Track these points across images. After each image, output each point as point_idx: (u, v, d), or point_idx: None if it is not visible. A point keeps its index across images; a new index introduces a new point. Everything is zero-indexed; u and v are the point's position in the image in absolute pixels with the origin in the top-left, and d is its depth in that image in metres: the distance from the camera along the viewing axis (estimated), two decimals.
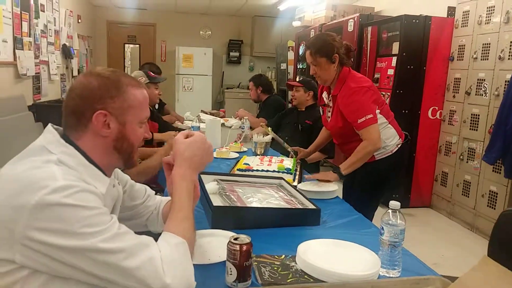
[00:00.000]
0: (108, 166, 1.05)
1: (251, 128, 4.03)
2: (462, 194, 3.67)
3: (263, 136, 2.60)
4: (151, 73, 3.02)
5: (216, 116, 4.17)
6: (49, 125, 1.03)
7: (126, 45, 8.71)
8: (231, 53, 8.60)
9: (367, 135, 2.03)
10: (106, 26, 8.27)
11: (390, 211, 1.12)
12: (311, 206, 1.48)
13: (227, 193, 1.49)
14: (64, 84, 5.93)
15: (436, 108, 3.91)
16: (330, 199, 1.79)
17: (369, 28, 4.19)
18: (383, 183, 2.20)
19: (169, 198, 1.27)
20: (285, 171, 2.02)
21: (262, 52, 8.43)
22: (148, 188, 1.31)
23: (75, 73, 6.45)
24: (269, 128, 2.65)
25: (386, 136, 2.14)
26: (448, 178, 3.86)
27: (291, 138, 2.93)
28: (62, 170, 0.90)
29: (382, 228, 1.12)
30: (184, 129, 3.31)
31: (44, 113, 4.39)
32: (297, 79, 5.92)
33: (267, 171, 1.99)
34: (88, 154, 1.00)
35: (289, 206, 1.50)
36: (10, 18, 4.04)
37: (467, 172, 3.62)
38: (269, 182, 1.77)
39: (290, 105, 4.46)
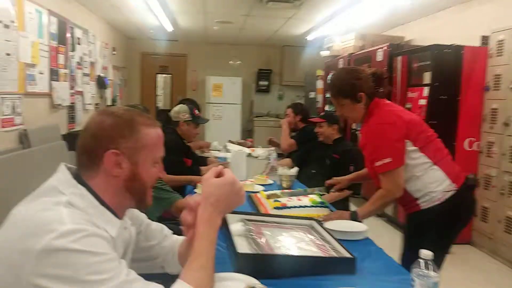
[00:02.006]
0: (120, 207, 1.02)
1: (279, 146, 3.98)
2: (505, 231, 3.43)
3: (289, 169, 2.54)
4: (196, 112, 3.03)
5: (243, 145, 4.14)
6: (62, 164, 1.02)
7: (159, 75, 8.94)
8: (260, 82, 8.67)
9: (384, 183, 1.81)
10: (140, 57, 8.56)
11: (421, 261, 1.02)
12: (346, 254, 1.35)
13: (254, 237, 1.39)
14: None
15: (473, 139, 3.74)
16: (359, 240, 1.69)
17: (399, 58, 4.12)
18: (432, 237, 1.81)
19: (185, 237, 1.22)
20: (320, 205, 1.95)
21: (291, 81, 8.46)
22: (165, 227, 1.27)
23: (109, 102, 6.65)
24: None
25: (430, 180, 1.82)
26: (489, 214, 3.63)
27: (317, 172, 2.85)
28: (71, 212, 0.88)
29: (413, 280, 1.02)
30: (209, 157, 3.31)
31: (76, 142, 4.49)
32: (325, 108, 5.90)
33: (303, 206, 1.91)
34: (100, 194, 0.98)
35: (321, 254, 1.37)
36: (47, 51, 4.23)
37: (509, 208, 3.39)
38: (300, 223, 1.66)
39: None
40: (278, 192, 1.99)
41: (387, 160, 1.77)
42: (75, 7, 5.08)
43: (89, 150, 0.98)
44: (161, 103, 9.19)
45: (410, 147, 1.83)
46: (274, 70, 8.74)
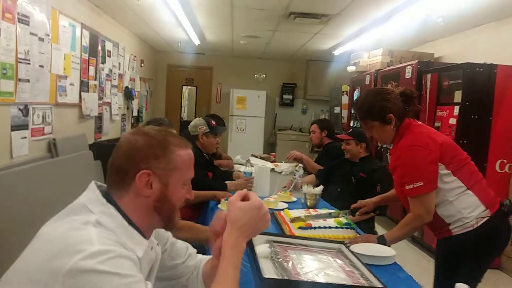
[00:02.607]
0: (148, 227, 1.02)
1: (305, 170, 3.92)
2: None
3: (314, 187, 2.50)
4: (213, 122, 3.06)
5: (266, 160, 4.12)
6: (92, 182, 1.02)
7: (184, 87, 9.07)
8: (284, 96, 8.68)
9: (414, 208, 1.74)
10: (166, 69, 8.71)
11: None
12: (376, 283, 1.29)
13: (280, 260, 1.35)
14: (124, 124, 6.22)
15: (505, 161, 3.61)
16: (387, 265, 1.63)
17: (429, 75, 4.03)
18: (465, 265, 1.75)
19: (209, 256, 1.21)
20: (345, 226, 1.90)
21: (315, 95, 8.43)
22: (190, 246, 1.26)
23: (135, 113, 6.77)
24: None
25: (463, 205, 1.76)
26: None
27: (342, 191, 2.79)
28: (100, 233, 0.88)
29: None
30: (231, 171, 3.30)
31: (102, 151, 4.58)
32: (350, 124, 5.83)
33: (329, 227, 1.87)
34: (128, 214, 0.98)
35: (350, 281, 1.30)
36: (78, 63, 4.35)
37: None
38: (327, 246, 1.60)
39: None
40: (302, 216, 1.94)
41: (419, 184, 1.71)
42: (107, 21, 5.23)
43: (121, 169, 0.98)
44: (185, 115, 9.30)
45: (443, 170, 1.76)
46: (298, 84, 8.74)
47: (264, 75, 8.70)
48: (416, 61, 4.29)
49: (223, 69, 8.70)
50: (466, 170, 1.81)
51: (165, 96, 8.78)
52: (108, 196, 0.98)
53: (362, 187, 2.80)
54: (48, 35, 3.63)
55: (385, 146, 4.36)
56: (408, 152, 1.78)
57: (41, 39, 3.51)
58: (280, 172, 3.72)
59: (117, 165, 0.99)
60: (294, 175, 2.90)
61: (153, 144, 0.99)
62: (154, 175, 0.97)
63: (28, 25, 3.29)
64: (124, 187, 0.98)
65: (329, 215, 1.99)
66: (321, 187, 2.47)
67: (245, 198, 1.04)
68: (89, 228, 0.88)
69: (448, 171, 1.76)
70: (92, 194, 0.98)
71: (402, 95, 1.89)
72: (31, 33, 3.36)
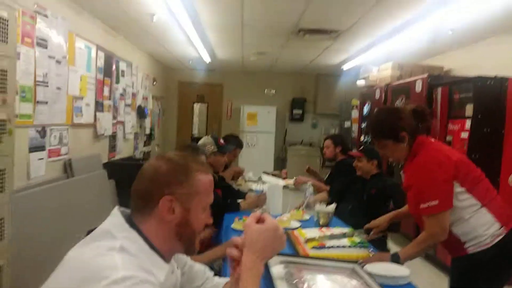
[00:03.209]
0: (169, 252, 1.05)
1: (317, 175, 3.92)
2: None
3: (326, 204, 2.51)
4: (221, 141, 3.09)
5: (278, 177, 4.13)
6: (116, 208, 1.06)
7: (195, 104, 9.16)
8: (294, 111, 8.72)
9: (429, 227, 1.74)
10: (178, 86, 8.83)
11: None
12: None
13: (295, 281, 1.37)
14: (137, 142, 6.31)
15: None
16: (402, 285, 1.63)
17: (439, 89, 4.04)
18: (480, 284, 1.74)
19: (227, 279, 1.23)
20: (359, 245, 1.91)
21: (325, 110, 8.46)
22: (207, 269, 1.29)
23: (147, 131, 6.87)
24: None
25: (479, 223, 1.74)
26: None
27: (354, 207, 2.80)
28: (124, 258, 0.92)
29: None
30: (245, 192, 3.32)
31: (116, 170, 4.66)
32: (361, 139, 5.83)
33: (342, 247, 1.88)
34: (151, 239, 1.01)
35: None
36: (93, 84, 4.46)
37: None
38: (342, 266, 1.61)
39: None
40: (316, 236, 1.95)
41: (434, 202, 1.71)
42: (120, 42, 5.36)
43: (145, 194, 1.02)
44: (196, 131, 9.37)
45: (457, 188, 1.76)
46: (308, 99, 8.78)
47: (274, 91, 8.77)
48: (426, 75, 4.30)
49: (233, 86, 8.79)
50: (480, 187, 1.81)
51: (176, 113, 8.89)
52: (131, 221, 1.01)
53: (373, 204, 2.80)
54: (65, 57, 3.75)
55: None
56: (423, 171, 1.78)
57: (58, 62, 3.62)
58: (293, 189, 3.70)
59: (141, 191, 1.03)
60: (306, 194, 2.91)
61: (176, 169, 1.03)
62: (176, 201, 1.01)
63: (46, 48, 3.41)
64: (147, 212, 1.02)
65: (343, 236, 1.99)
66: (334, 205, 2.48)
67: (260, 220, 1.06)
68: (113, 254, 0.92)
69: (463, 189, 1.76)
70: (115, 219, 1.01)
71: (414, 113, 1.91)
72: (49, 56, 3.47)
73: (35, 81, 3.24)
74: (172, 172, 1.03)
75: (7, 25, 2.39)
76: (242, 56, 6.81)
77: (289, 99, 8.78)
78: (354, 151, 3.27)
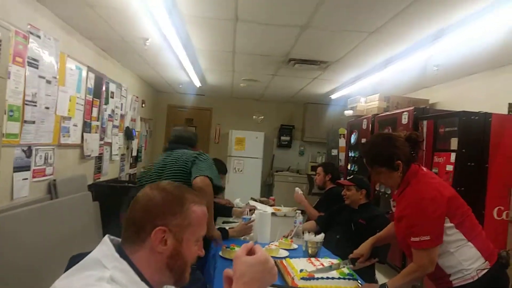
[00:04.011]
0: (159, 284, 1.03)
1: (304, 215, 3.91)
2: None
3: (315, 235, 2.50)
4: None
5: (266, 203, 4.11)
6: (106, 236, 1.04)
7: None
8: (282, 137, 8.78)
9: (418, 259, 1.76)
10: (167, 109, 8.84)
11: None
12: None
13: None
14: (123, 164, 6.24)
15: (502, 208, 3.63)
16: None
17: (425, 122, 4.13)
18: None
19: None
20: (348, 277, 1.90)
21: (313, 137, 8.54)
22: None
23: (134, 153, 6.81)
24: None
25: (464, 257, 1.77)
26: None
27: (342, 237, 2.79)
28: None
29: None
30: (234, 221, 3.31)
31: (101, 192, 4.59)
32: (348, 167, 5.88)
33: (331, 278, 1.88)
34: (141, 270, 0.99)
35: None
36: (82, 105, 4.43)
37: None
38: None
39: None
40: (305, 271, 1.93)
41: (425, 237, 1.73)
42: (111, 63, 5.37)
43: (137, 224, 1.01)
44: None
45: (447, 223, 1.78)
46: (296, 126, 8.87)
47: (263, 117, 8.85)
48: (412, 108, 4.41)
49: (222, 110, 8.85)
50: (467, 222, 1.83)
51: (164, 135, 8.86)
52: (121, 251, 1.00)
53: (361, 234, 2.80)
54: (56, 78, 3.73)
55: (383, 191, 4.38)
56: (416, 205, 1.79)
57: (48, 82, 3.60)
58: (283, 216, 3.68)
59: (134, 220, 1.02)
60: (295, 222, 2.90)
61: (170, 200, 1.02)
62: (169, 232, 1.00)
63: (37, 68, 3.39)
64: (138, 242, 1.00)
65: (330, 268, 1.98)
66: (323, 235, 2.48)
67: (251, 251, 1.05)
68: (103, 284, 0.90)
69: (452, 224, 1.78)
70: (105, 248, 1.00)
71: (408, 140, 1.93)
72: (40, 76, 3.45)
73: (23, 100, 3.21)
74: (166, 202, 1.02)
75: (0, 46, 2.39)
76: (232, 82, 6.88)
77: (277, 125, 8.86)
78: (343, 180, 3.30)
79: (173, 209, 1.02)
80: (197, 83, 6.79)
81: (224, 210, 3.62)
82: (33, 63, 3.34)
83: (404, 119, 4.43)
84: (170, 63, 5.44)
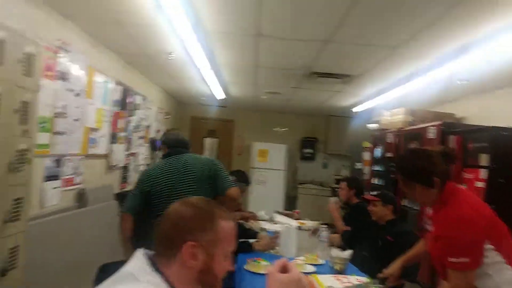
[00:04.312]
0: None
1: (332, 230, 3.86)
2: None
3: (340, 248, 2.46)
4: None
5: (290, 217, 4.08)
6: (139, 250, 1.05)
7: (206, 138, 9.21)
8: (305, 150, 8.74)
9: (454, 280, 1.68)
10: (190, 121, 8.94)
11: None
12: None
13: None
14: None
15: None
16: None
17: (453, 137, 4.04)
18: None
19: None
20: None
21: (336, 150, 8.47)
22: None
23: None
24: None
25: (502, 280, 1.69)
26: None
27: (369, 253, 2.74)
28: None
29: None
30: (256, 231, 3.28)
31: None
32: (371, 181, 5.79)
33: None
34: (173, 284, 1.00)
35: None
36: (109, 116, 4.54)
37: None
38: None
39: None
40: (334, 286, 1.90)
41: (464, 259, 1.66)
42: (136, 76, 5.49)
43: (169, 239, 1.02)
44: None
45: (486, 245, 1.71)
46: (319, 139, 8.81)
47: (285, 129, 8.84)
48: (439, 122, 4.32)
49: (244, 122, 8.88)
50: (505, 243, 1.76)
51: None
52: (154, 265, 1.01)
53: (389, 251, 2.74)
54: (84, 91, 3.84)
55: (410, 206, 4.28)
56: (456, 225, 1.72)
57: (77, 94, 3.70)
58: (307, 230, 3.64)
59: (165, 235, 1.03)
60: (320, 236, 2.86)
61: (200, 215, 1.03)
62: (200, 247, 1.01)
63: (66, 81, 3.50)
64: (170, 256, 1.01)
65: (359, 287, 1.94)
66: (350, 251, 2.43)
67: (284, 269, 1.04)
68: None
69: (491, 246, 1.71)
70: (139, 262, 1.01)
71: (443, 155, 1.87)
72: (69, 89, 3.55)
73: (54, 112, 3.31)
74: (196, 218, 1.03)
75: (33, 60, 2.48)
76: (254, 94, 6.92)
77: (299, 138, 8.83)
78: (369, 195, 3.25)
79: (203, 224, 1.03)
80: (220, 95, 6.86)
81: (249, 235, 3.45)
82: (63, 76, 3.44)
83: (431, 134, 4.34)
84: (193, 76, 5.52)
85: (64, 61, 3.44)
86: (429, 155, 1.86)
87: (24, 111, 2.39)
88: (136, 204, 2.59)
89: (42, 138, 3.16)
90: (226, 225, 1.06)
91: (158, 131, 6.77)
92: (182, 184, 2.58)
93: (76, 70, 3.64)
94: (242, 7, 2.96)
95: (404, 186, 1.92)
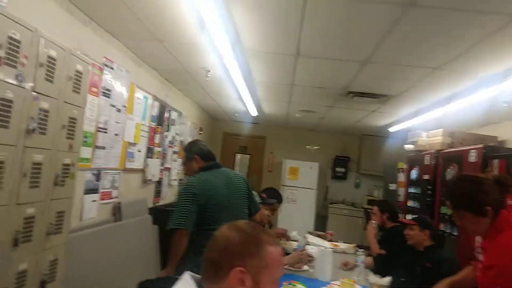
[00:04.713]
0: None
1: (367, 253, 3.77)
2: None
3: (376, 274, 2.39)
4: (263, 195, 3.12)
5: (323, 238, 4.01)
6: (186, 273, 1.06)
7: (237, 154, 9.26)
8: (337, 169, 8.62)
9: None
10: (222, 136, 9.03)
11: None
12: None
13: None
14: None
15: None
16: None
17: (496, 161, 3.88)
18: None
19: None
20: None
21: (369, 170, 8.31)
22: None
23: None
24: None
25: None
26: None
27: (407, 280, 2.64)
28: None
29: None
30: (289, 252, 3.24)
31: (159, 216, 4.71)
32: (407, 203, 5.62)
33: None
34: None
35: None
36: (146, 132, 4.65)
37: None
38: None
39: None
40: None
41: None
42: (173, 92, 5.62)
43: (216, 264, 1.02)
44: None
45: None
46: (351, 158, 8.68)
47: (317, 147, 8.77)
48: (481, 145, 4.16)
49: (276, 139, 8.88)
50: None
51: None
52: None
53: (427, 278, 2.63)
54: (125, 106, 3.96)
55: (448, 231, 4.12)
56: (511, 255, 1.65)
57: (118, 110, 3.82)
58: (342, 253, 3.57)
59: (213, 259, 1.03)
60: (356, 261, 2.80)
61: (248, 240, 1.03)
62: (247, 273, 1.00)
63: (109, 97, 3.62)
64: (217, 281, 1.01)
65: None
66: (389, 278, 2.36)
67: None
68: None
69: None
70: (187, 285, 1.01)
71: (497, 183, 1.80)
72: (111, 105, 3.67)
73: (96, 127, 3.42)
74: (244, 243, 1.03)
75: (81, 78, 2.58)
76: (288, 112, 6.93)
77: (331, 156, 8.72)
78: (406, 219, 3.15)
79: (250, 250, 1.02)
80: (253, 112, 6.90)
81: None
82: (106, 92, 3.57)
83: (472, 157, 4.18)
84: (229, 93, 5.59)
85: (108, 78, 3.57)
86: (480, 182, 1.79)
87: (71, 126, 2.49)
88: (194, 219, 2.42)
89: (84, 152, 3.26)
90: (274, 251, 1.05)
91: None
92: (235, 197, 2.61)
93: (118, 87, 3.77)
94: (285, 28, 2.99)
95: (454, 214, 1.85)
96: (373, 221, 3.71)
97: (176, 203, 2.53)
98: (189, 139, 6.62)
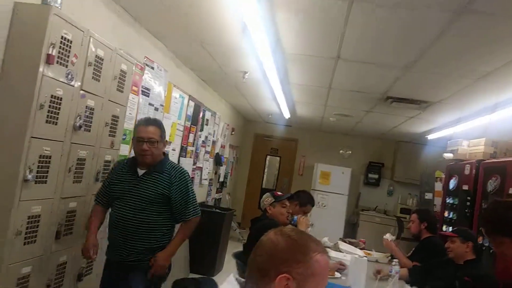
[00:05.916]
0: None
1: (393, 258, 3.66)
2: None
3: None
4: (278, 193, 3.15)
5: (355, 246, 3.94)
6: (232, 275, 1.06)
7: (268, 156, 9.24)
8: (370, 175, 8.44)
9: None
10: (253, 138, 9.04)
11: None
12: None
13: None
14: (210, 188, 6.45)
15: None
16: None
17: None
18: None
19: None
20: None
21: (403, 177, 8.08)
22: None
23: (221, 178, 7.01)
24: None
25: None
26: None
27: None
28: None
29: None
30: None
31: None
32: (444, 214, 5.43)
33: None
34: None
35: None
36: (181, 131, 4.71)
37: None
38: None
39: None
40: None
41: None
42: (209, 92, 5.67)
43: (262, 268, 1.01)
44: (263, 182, 9.31)
45: None
46: (385, 164, 8.48)
47: (350, 152, 8.63)
48: None
49: (308, 142, 8.80)
50: None
51: (249, 163, 9.03)
52: None
53: None
54: (162, 105, 4.02)
55: (487, 245, 3.95)
56: None
57: (156, 109, 3.89)
58: (375, 261, 3.48)
59: (258, 263, 1.02)
60: (391, 271, 2.72)
61: (295, 247, 1.01)
62: (293, 280, 0.98)
63: (148, 96, 3.68)
64: (262, 285, 1.00)
65: None
66: None
67: None
68: None
69: None
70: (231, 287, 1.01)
71: None
72: (149, 104, 3.74)
73: (135, 125, 3.48)
74: (291, 250, 1.01)
75: (125, 77, 2.64)
76: (322, 115, 6.85)
77: (364, 162, 8.55)
78: (447, 231, 3.03)
79: (297, 257, 1.01)
80: (287, 115, 6.87)
81: None
82: (146, 91, 3.63)
83: None
84: (264, 95, 5.59)
85: (148, 77, 3.63)
86: None
87: (113, 124, 2.55)
88: None
89: (122, 149, 3.33)
90: (321, 259, 1.03)
91: (223, 146, 6.91)
92: None
93: (157, 86, 3.83)
94: (328, 32, 2.94)
95: (492, 241, 1.80)
96: (387, 235, 3.61)
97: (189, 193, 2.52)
98: (221, 140, 6.67)
